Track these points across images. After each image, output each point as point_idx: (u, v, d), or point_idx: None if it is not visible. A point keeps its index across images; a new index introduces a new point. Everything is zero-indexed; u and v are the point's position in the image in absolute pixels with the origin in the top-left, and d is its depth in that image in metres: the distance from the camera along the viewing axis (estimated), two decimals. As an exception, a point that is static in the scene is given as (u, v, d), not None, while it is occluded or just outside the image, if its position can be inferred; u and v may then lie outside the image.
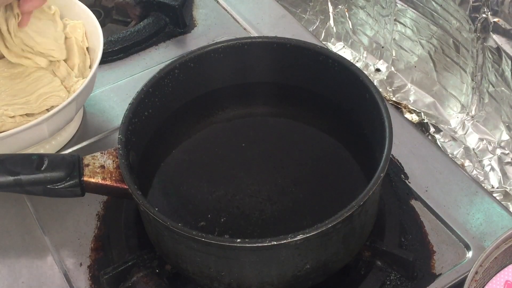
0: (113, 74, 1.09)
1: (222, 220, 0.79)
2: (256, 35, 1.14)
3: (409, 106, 1.23)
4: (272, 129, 0.91)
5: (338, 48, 1.37)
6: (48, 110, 0.89)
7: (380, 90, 1.08)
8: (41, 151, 0.94)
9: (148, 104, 0.82)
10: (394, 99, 1.25)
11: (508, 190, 1.07)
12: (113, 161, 0.77)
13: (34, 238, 0.87)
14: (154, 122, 0.83)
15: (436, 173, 0.91)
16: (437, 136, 1.18)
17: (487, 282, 0.69)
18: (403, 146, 0.94)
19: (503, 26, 1.00)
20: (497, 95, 1.07)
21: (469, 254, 0.82)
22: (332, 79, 0.85)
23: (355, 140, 0.85)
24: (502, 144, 1.10)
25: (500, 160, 1.10)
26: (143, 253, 0.79)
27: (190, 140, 0.89)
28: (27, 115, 0.87)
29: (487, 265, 0.68)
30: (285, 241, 0.65)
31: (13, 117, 0.86)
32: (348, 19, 1.33)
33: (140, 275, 0.77)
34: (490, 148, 1.12)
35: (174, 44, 1.15)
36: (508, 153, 1.09)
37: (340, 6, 1.34)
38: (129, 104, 0.79)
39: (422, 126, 1.20)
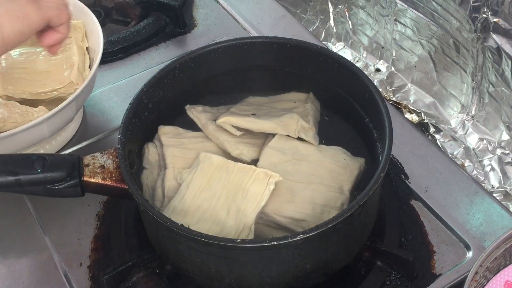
0: (113, 74, 1.09)
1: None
2: (256, 35, 1.14)
3: (409, 106, 1.23)
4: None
5: (338, 48, 1.37)
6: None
7: (380, 90, 1.08)
8: (41, 151, 0.94)
9: (148, 104, 0.82)
10: (394, 99, 1.25)
11: (508, 190, 1.07)
12: (113, 161, 0.77)
13: (34, 238, 0.87)
14: (154, 122, 0.83)
15: (436, 173, 0.91)
16: (437, 136, 1.18)
17: (487, 282, 0.69)
18: (403, 146, 0.94)
19: (503, 26, 1.00)
20: (497, 95, 1.07)
21: (469, 254, 0.82)
22: (332, 79, 0.85)
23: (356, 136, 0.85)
24: (502, 144, 1.10)
25: (500, 160, 1.10)
26: (143, 253, 0.79)
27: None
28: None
29: (487, 265, 0.68)
30: (285, 241, 0.65)
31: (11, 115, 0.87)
32: (348, 19, 1.33)
33: (140, 275, 0.77)
34: (490, 148, 1.12)
35: (174, 44, 1.15)
36: (508, 153, 1.09)
37: (340, 6, 1.34)
38: (129, 104, 0.79)
39: (422, 126, 1.20)
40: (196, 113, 0.85)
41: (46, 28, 0.79)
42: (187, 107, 0.86)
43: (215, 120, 0.83)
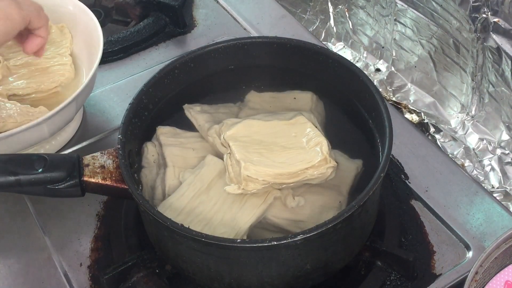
0: (113, 74, 1.09)
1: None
2: (256, 35, 1.14)
3: (409, 106, 1.23)
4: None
5: (338, 48, 1.37)
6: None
7: (380, 90, 1.08)
8: (41, 151, 0.94)
9: (148, 104, 0.82)
10: (394, 99, 1.25)
11: (508, 190, 1.07)
12: (113, 161, 0.77)
13: (34, 238, 0.87)
14: (154, 122, 0.83)
15: (436, 173, 0.91)
16: (437, 136, 1.18)
17: (487, 282, 0.69)
18: (403, 146, 0.94)
19: (503, 26, 1.00)
20: (497, 95, 1.07)
21: (469, 254, 0.82)
22: (332, 80, 0.85)
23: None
24: (502, 144, 1.10)
25: (500, 160, 1.10)
26: (143, 253, 0.79)
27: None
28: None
29: (487, 265, 0.68)
30: (285, 241, 0.65)
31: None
32: (348, 19, 1.33)
33: (140, 275, 0.77)
34: (490, 148, 1.12)
35: (174, 44, 1.15)
36: (508, 153, 1.09)
37: (340, 6, 1.34)
38: (129, 104, 0.79)
39: (422, 126, 1.20)
40: (193, 113, 0.85)
41: (26, 34, 0.82)
42: (185, 106, 0.86)
43: (220, 115, 0.83)
